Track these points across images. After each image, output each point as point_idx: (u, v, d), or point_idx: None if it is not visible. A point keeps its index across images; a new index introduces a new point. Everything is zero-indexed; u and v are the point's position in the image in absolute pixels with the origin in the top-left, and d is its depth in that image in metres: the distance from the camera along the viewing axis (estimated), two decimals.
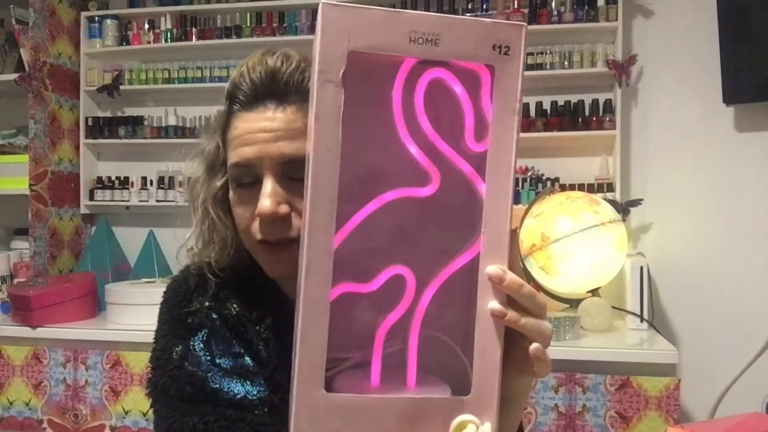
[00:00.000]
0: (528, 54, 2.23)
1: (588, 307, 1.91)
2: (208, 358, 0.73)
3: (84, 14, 2.58)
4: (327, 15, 0.47)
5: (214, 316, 0.75)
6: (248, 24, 2.46)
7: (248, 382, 0.71)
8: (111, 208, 2.65)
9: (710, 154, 2.15)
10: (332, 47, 0.47)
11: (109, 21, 2.57)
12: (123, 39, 2.58)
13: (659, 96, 2.24)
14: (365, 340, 0.51)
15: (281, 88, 0.69)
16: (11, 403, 2.09)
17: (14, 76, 2.40)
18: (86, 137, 2.60)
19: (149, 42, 2.54)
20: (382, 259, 0.51)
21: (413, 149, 0.50)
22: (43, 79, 2.43)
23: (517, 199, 2.22)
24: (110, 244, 2.54)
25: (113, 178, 2.62)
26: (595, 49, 2.21)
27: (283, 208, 0.67)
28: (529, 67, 2.23)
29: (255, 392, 0.71)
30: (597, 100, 2.21)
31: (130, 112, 2.66)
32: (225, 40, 2.47)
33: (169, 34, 2.51)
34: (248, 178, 0.70)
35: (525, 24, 0.49)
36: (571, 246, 1.85)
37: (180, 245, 0.79)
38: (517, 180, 2.22)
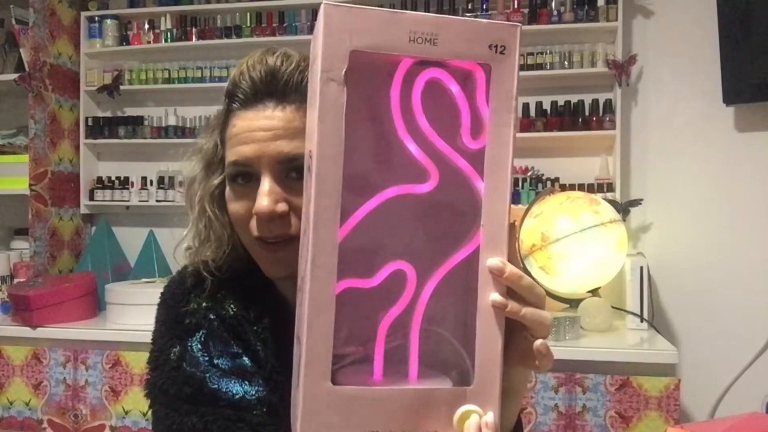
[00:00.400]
0: (528, 54, 2.24)
1: (588, 307, 1.91)
2: (206, 358, 0.72)
3: (84, 14, 2.58)
4: (329, 15, 0.48)
5: (212, 317, 0.75)
6: (248, 24, 2.46)
7: (246, 383, 0.71)
8: (111, 208, 2.65)
9: (710, 154, 2.14)
10: (335, 46, 0.48)
11: (109, 21, 2.57)
12: (123, 39, 2.59)
13: (659, 96, 2.24)
14: (367, 335, 0.52)
15: (281, 87, 0.69)
16: (11, 403, 2.09)
17: (14, 76, 2.41)
18: (86, 137, 2.61)
19: (149, 42, 2.54)
20: (382, 255, 0.52)
21: (412, 147, 0.51)
22: (43, 79, 2.43)
23: (517, 199, 2.23)
24: (110, 244, 2.54)
25: (113, 178, 2.62)
26: (595, 49, 2.21)
27: (281, 207, 0.67)
28: (529, 67, 2.23)
29: (253, 392, 0.71)
30: (597, 100, 2.21)
31: (130, 112, 2.66)
32: (225, 40, 2.47)
33: (169, 34, 2.51)
34: (246, 176, 0.70)
35: (520, 24, 0.51)
36: (571, 246, 1.85)
37: (177, 243, 0.79)
38: (516, 180, 2.25)
